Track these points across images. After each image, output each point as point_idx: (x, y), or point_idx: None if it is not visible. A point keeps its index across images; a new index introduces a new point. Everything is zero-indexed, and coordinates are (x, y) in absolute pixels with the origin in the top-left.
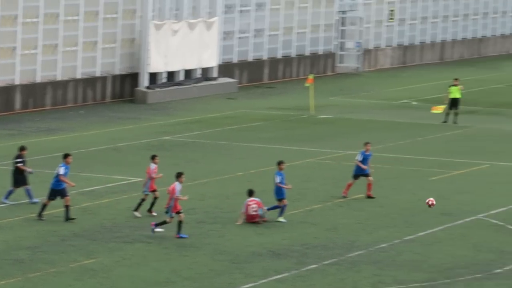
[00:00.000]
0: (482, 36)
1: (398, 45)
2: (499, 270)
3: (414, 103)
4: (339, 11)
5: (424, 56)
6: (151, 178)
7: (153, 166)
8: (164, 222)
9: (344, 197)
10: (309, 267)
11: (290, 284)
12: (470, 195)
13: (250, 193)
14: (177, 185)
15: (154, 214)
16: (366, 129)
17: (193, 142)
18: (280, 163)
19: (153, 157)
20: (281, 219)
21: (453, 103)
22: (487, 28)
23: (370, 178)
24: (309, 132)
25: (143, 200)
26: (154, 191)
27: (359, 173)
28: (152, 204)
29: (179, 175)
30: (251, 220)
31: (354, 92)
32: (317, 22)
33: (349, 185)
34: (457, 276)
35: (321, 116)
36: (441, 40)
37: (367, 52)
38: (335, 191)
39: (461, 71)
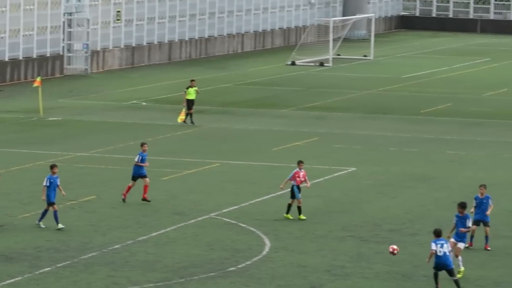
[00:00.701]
0: (209, 36)
1: (125, 46)
2: (232, 268)
3: (144, 103)
4: (66, 13)
5: (152, 56)
6: None
7: None
8: None
9: (123, 200)
10: (42, 270)
11: None
12: (202, 194)
13: None
14: None
15: None
16: (97, 131)
17: None
18: (52, 166)
19: None
20: (56, 225)
21: (189, 104)
22: (214, 28)
23: (147, 179)
24: (39, 135)
25: None
26: None
27: (137, 174)
28: None
29: None
30: None
31: (83, 93)
32: (43, 24)
33: (129, 187)
34: (192, 275)
35: (51, 119)
36: (169, 41)
37: (95, 53)
38: (67, 194)
39: (189, 71)
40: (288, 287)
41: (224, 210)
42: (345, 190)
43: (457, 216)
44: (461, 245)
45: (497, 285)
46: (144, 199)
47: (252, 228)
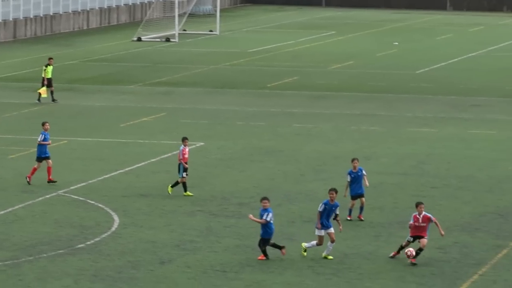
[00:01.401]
0: (54, 13)
1: None
2: (81, 245)
3: None
4: None
5: None
6: None
7: None
8: None
9: (28, 182)
10: None
11: None
12: None
13: None
14: None
15: None
16: None
17: None
18: None
19: None
20: None
21: (49, 82)
22: (59, 5)
23: (50, 161)
24: None
25: None
26: None
27: (41, 155)
28: None
29: None
30: None
31: None
32: None
33: (34, 169)
34: (40, 253)
35: None
36: (13, 18)
37: None
38: None
39: (35, 48)
40: (137, 262)
41: (72, 187)
42: (193, 164)
43: (325, 204)
44: (331, 230)
45: (346, 256)
46: (50, 181)
47: (100, 205)
